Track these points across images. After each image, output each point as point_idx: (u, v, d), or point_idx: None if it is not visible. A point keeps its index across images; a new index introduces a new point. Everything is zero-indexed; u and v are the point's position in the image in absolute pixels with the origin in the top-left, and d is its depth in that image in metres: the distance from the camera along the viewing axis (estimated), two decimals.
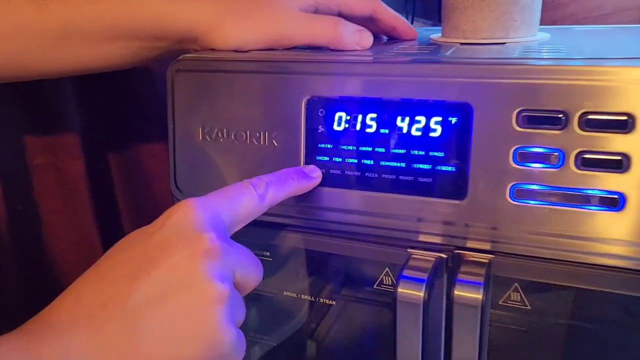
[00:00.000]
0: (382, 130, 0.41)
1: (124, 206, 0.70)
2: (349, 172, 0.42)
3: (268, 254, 0.47)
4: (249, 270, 0.35)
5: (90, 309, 0.30)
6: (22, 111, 0.58)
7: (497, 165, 0.38)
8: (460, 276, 0.38)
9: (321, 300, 0.46)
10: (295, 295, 0.47)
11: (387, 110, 0.41)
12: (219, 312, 0.31)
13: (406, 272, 0.39)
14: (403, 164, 0.41)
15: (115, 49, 0.48)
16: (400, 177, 0.41)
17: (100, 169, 0.65)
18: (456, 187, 0.39)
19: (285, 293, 0.47)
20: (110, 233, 0.67)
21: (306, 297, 0.46)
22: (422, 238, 0.41)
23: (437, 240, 0.41)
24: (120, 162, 0.69)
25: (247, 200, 0.37)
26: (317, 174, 0.42)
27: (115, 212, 0.70)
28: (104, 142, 0.65)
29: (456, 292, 0.38)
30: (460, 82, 0.38)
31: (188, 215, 0.33)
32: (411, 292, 0.38)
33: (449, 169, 0.39)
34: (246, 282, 0.35)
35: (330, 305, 0.45)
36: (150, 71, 0.68)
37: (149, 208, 0.71)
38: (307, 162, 0.43)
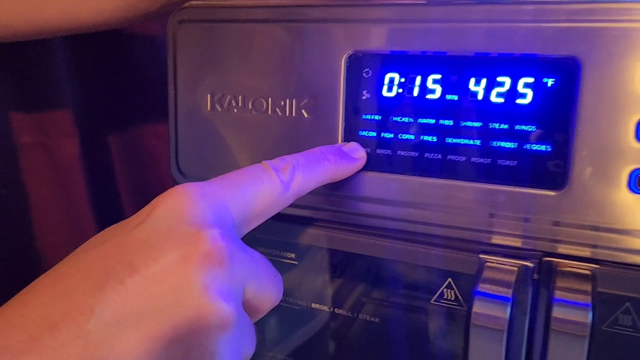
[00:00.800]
0: (449, 97, 0.31)
1: (125, 193, 0.63)
2: (402, 153, 0.32)
3: (293, 255, 0.37)
4: (265, 286, 0.26)
5: (35, 330, 0.21)
6: (6, 82, 0.51)
7: (613, 143, 0.28)
8: (559, 294, 0.28)
9: (360, 316, 0.36)
10: (326, 308, 0.37)
11: (457, 69, 0.30)
12: (219, 344, 0.22)
13: (483, 287, 0.29)
14: (478, 142, 0.30)
15: None
16: (473, 160, 0.31)
17: (97, 149, 0.58)
18: (552, 172, 0.29)
19: (313, 305, 0.37)
20: (110, 224, 0.60)
21: (340, 311, 0.37)
22: (499, 240, 0.31)
23: (519, 243, 0.31)
24: (121, 142, 0.61)
25: (266, 188, 0.27)
26: (360, 154, 0.32)
27: (116, 200, 0.63)
28: (102, 118, 0.58)
29: (555, 315, 0.27)
30: (563, 27, 0.28)
31: (182, 206, 0.24)
32: (491, 314, 0.28)
33: (543, 148, 0.29)
34: (260, 301, 0.25)
35: (373, 322, 0.36)
36: (154, 37, 0.60)
37: (155, 195, 0.63)
38: (346, 139, 0.33)
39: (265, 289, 0.25)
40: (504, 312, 0.28)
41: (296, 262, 0.37)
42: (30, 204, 0.55)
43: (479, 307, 0.28)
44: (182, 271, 0.22)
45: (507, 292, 0.29)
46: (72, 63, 0.54)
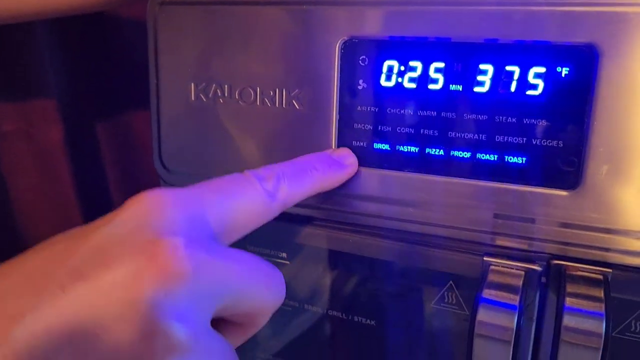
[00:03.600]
0: (452, 87, 0.28)
1: (114, 181, 0.61)
2: (401, 147, 0.30)
3: (284, 255, 0.35)
4: (254, 295, 0.23)
5: None
6: None
7: (632, 140, 0.25)
8: (570, 301, 0.26)
9: (354, 319, 0.34)
10: (320, 310, 0.35)
11: (461, 56, 0.28)
12: None
13: (487, 293, 0.27)
14: (483, 137, 0.28)
15: None
16: (478, 156, 0.28)
17: (84, 136, 0.55)
18: (564, 171, 0.27)
19: (307, 307, 0.35)
20: (98, 214, 0.58)
21: (335, 313, 0.35)
22: (504, 242, 0.29)
23: (526, 245, 0.29)
24: (109, 129, 0.59)
25: (248, 198, 0.25)
26: (350, 161, 0.30)
27: (104, 189, 0.60)
28: (88, 104, 0.55)
29: (566, 324, 0.25)
30: (580, 12, 0.25)
31: (148, 211, 0.21)
32: (497, 323, 0.26)
33: (554, 144, 0.27)
34: (249, 315, 0.23)
35: (367, 325, 0.34)
36: (143, 19, 0.57)
37: (145, 185, 0.61)
38: (341, 131, 0.30)
39: (254, 299, 0.23)
40: (511, 322, 0.26)
41: (288, 262, 0.35)
42: (13, 194, 0.54)
43: (484, 316, 0.26)
44: (133, 284, 0.19)
45: (514, 300, 0.27)
46: (55, 47, 0.51)
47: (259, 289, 0.23)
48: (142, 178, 0.60)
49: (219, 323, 0.23)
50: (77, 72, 0.53)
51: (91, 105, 0.55)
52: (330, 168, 0.29)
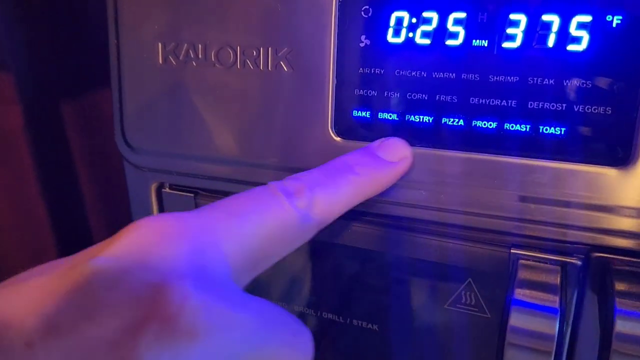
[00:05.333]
0: (475, 43, 0.23)
1: (81, 167, 0.56)
2: (412, 118, 0.25)
3: None
4: (277, 356, 0.17)
5: None
6: None
7: None
8: (622, 303, 0.21)
9: (355, 322, 0.29)
10: (312, 312, 0.30)
11: (487, 4, 0.23)
12: None
13: (520, 294, 0.22)
14: (513, 103, 0.23)
15: None
16: (507, 126, 0.23)
17: (46, 118, 0.51)
18: (612, 144, 0.22)
19: (296, 308, 0.30)
20: (63, 205, 0.52)
21: (330, 316, 0.29)
22: (535, 231, 0.24)
23: (561, 234, 0.24)
24: (75, 109, 0.54)
25: (276, 218, 0.19)
26: (401, 154, 0.24)
27: (70, 177, 0.55)
28: (50, 82, 0.50)
29: (620, 330, 0.21)
30: None
31: (148, 244, 0.16)
32: (535, 330, 0.21)
33: (601, 111, 0.22)
34: None
35: (370, 330, 0.29)
36: None
37: (115, 171, 0.56)
38: (339, 99, 0.25)
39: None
40: (552, 328, 0.21)
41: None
42: None
43: (518, 321, 0.21)
44: (127, 343, 0.14)
45: (553, 301, 0.22)
46: (11, 16, 0.46)
47: (283, 351, 0.17)
48: (110, 161, 0.56)
49: None
50: (37, 47, 0.49)
51: (53, 84, 0.50)
52: (374, 168, 0.23)
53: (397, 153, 0.24)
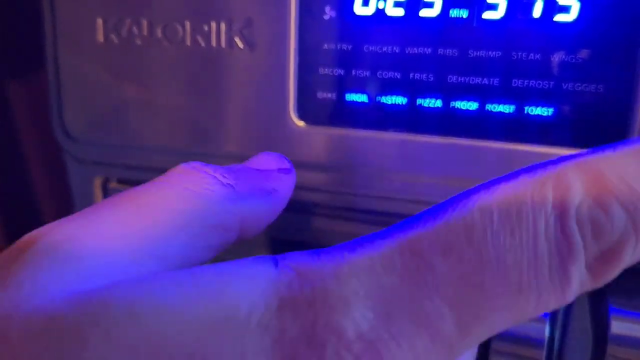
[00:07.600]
0: (454, 13, 0.21)
1: (32, 152, 0.52)
2: (383, 99, 0.22)
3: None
4: None
5: None
6: None
7: None
8: (616, 302, 0.19)
9: None
10: None
11: None
12: None
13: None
14: (495, 81, 0.20)
15: None
16: (488, 107, 0.21)
17: None
18: (607, 125, 0.20)
19: None
20: (15, 205, 0.49)
21: None
22: None
23: None
24: (22, 92, 0.51)
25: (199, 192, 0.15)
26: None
27: (20, 164, 0.52)
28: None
29: (615, 332, 0.18)
30: None
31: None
32: (522, 335, 0.19)
33: (593, 89, 0.20)
34: None
35: None
36: None
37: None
38: (301, 78, 0.23)
39: None
40: (540, 332, 0.19)
41: None
42: None
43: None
44: None
45: None
46: None
47: None
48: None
49: None
50: None
51: (6, 64, 0.47)
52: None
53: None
